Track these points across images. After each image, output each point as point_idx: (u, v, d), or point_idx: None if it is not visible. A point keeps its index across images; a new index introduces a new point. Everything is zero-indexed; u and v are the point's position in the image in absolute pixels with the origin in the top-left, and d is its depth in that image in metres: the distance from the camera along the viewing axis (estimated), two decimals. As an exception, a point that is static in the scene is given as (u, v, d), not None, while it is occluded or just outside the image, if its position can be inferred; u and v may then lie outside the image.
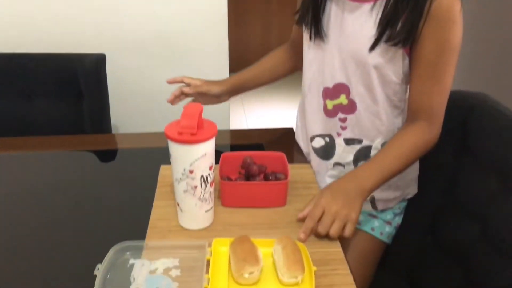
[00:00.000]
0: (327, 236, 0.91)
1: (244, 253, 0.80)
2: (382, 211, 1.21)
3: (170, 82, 1.29)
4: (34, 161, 1.25)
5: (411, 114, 1.06)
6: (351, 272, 0.84)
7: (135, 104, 2.08)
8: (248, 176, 1.05)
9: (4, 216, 1.01)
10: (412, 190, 1.22)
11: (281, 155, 1.07)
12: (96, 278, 0.77)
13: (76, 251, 0.91)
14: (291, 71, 1.34)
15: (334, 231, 0.90)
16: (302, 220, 0.94)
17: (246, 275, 0.78)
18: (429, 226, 1.18)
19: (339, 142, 1.16)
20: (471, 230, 1.04)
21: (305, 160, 1.24)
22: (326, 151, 1.19)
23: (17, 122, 1.64)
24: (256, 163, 1.05)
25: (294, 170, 1.10)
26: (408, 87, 1.08)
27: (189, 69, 2.07)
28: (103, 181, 1.16)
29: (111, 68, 1.72)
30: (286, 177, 1.02)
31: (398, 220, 1.23)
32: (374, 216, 1.21)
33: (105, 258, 0.82)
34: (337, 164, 1.18)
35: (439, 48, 0.97)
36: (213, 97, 1.29)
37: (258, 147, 1.31)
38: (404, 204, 1.24)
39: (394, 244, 1.23)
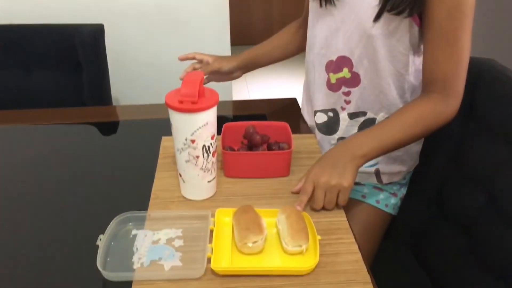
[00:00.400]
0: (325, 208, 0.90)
1: (248, 222, 0.80)
2: (387, 184, 1.19)
3: (182, 58, 1.27)
4: (34, 134, 1.24)
5: (425, 86, 1.01)
6: (356, 240, 0.83)
7: (136, 75, 2.06)
8: (251, 146, 1.03)
9: (3, 190, 1.00)
10: (415, 162, 1.21)
11: (285, 125, 1.05)
12: (99, 248, 0.76)
13: (78, 222, 0.90)
14: (303, 49, 1.28)
15: (327, 204, 0.89)
16: (297, 193, 0.93)
17: (250, 244, 0.77)
18: (434, 195, 1.17)
19: (343, 117, 1.14)
20: (477, 199, 1.03)
21: (309, 130, 1.22)
22: (330, 127, 1.17)
23: (16, 94, 1.62)
24: (259, 133, 1.03)
25: (298, 140, 1.09)
26: (416, 59, 1.05)
27: (190, 41, 2.05)
28: (105, 154, 1.15)
29: (110, 39, 1.69)
30: (289, 147, 1.00)
31: (403, 191, 1.22)
32: (379, 189, 1.20)
33: (107, 228, 0.81)
34: (341, 138, 1.16)
35: (450, 13, 0.93)
36: (225, 74, 1.27)
37: (261, 117, 1.29)
38: (409, 175, 1.23)
39: (399, 215, 1.23)
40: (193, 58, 1.26)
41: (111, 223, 0.82)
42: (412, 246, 1.22)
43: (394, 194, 1.20)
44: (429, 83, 0.99)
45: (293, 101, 1.39)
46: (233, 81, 2.30)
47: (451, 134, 1.13)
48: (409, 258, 1.20)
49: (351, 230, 0.86)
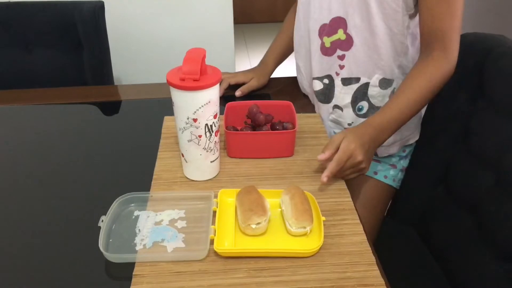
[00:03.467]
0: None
1: (251, 203, 0.78)
2: (385, 157, 1.20)
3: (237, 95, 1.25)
4: (35, 114, 1.23)
5: (425, 45, 1.02)
6: (361, 221, 0.82)
7: (138, 54, 2.03)
8: (255, 126, 1.02)
9: (5, 170, 0.99)
10: (413, 135, 1.20)
11: (289, 104, 1.03)
12: (101, 229, 0.75)
13: (80, 203, 0.89)
14: None
15: (347, 177, 0.92)
16: (323, 161, 0.91)
17: (253, 226, 0.76)
18: (440, 174, 1.16)
19: (338, 83, 1.14)
20: (484, 178, 1.02)
21: (313, 109, 1.21)
22: (325, 94, 1.17)
23: (16, 73, 1.60)
24: (263, 112, 1.02)
25: (302, 120, 1.07)
26: (409, 19, 1.04)
27: (193, 18, 2.02)
28: (106, 134, 1.14)
29: (111, 18, 1.66)
30: (293, 126, 0.99)
31: (403, 163, 1.22)
32: (377, 161, 1.20)
33: (109, 210, 0.80)
34: (336, 107, 1.16)
35: None
36: None
37: (265, 96, 1.27)
38: (409, 149, 1.22)
39: (404, 193, 1.22)
40: (229, 86, 1.25)
41: (113, 204, 0.81)
42: (417, 225, 1.21)
43: (393, 166, 1.20)
44: (429, 41, 1.00)
45: (296, 79, 1.36)
46: (236, 59, 2.28)
47: (458, 111, 1.11)
48: (414, 237, 1.20)
49: (356, 210, 0.85)
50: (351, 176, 0.93)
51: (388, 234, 1.18)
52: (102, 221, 0.77)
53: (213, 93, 0.82)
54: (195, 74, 0.79)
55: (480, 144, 1.06)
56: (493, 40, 1.05)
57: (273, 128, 1.01)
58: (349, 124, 1.16)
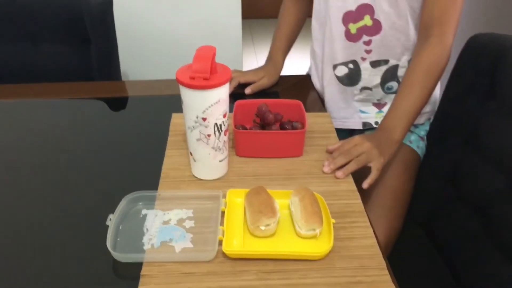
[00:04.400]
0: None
1: (260, 204, 0.77)
2: (415, 126, 1.22)
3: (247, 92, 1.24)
4: (41, 109, 1.22)
5: (424, 29, 1.05)
6: (371, 224, 0.81)
7: (145, 50, 2.02)
8: (264, 125, 1.01)
9: (12, 166, 0.99)
10: (434, 107, 1.23)
11: (298, 103, 1.02)
12: (108, 228, 0.75)
13: (87, 201, 0.88)
14: (304, 21, 1.35)
15: (357, 162, 0.91)
16: (330, 153, 0.96)
17: (262, 228, 0.75)
18: (450, 175, 1.15)
19: (365, 66, 1.16)
20: (494, 180, 1.01)
21: (323, 108, 1.19)
22: (351, 78, 1.19)
23: (23, 68, 1.60)
24: (272, 111, 1.01)
25: (311, 119, 1.06)
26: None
27: (201, 14, 2.01)
28: (114, 130, 1.13)
29: (119, 13, 1.65)
30: (303, 126, 0.98)
31: (425, 141, 1.25)
32: (410, 131, 1.22)
33: (117, 208, 0.79)
34: (364, 88, 1.19)
35: None
36: None
37: (273, 94, 1.26)
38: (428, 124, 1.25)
39: (414, 194, 1.20)
40: (239, 84, 1.24)
41: (121, 202, 0.80)
42: (425, 225, 1.20)
43: (422, 138, 1.23)
44: (427, 26, 1.04)
45: (306, 77, 1.35)
46: (244, 57, 2.27)
47: (468, 112, 1.10)
48: (422, 238, 1.19)
49: (366, 213, 0.84)
50: (363, 159, 0.92)
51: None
52: (110, 219, 0.76)
53: (223, 92, 0.81)
54: (205, 72, 0.78)
55: (491, 145, 1.04)
56: (507, 40, 1.03)
57: (282, 127, 1.00)
58: (378, 100, 1.21)
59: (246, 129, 1.01)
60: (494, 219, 0.99)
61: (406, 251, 1.14)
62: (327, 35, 1.18)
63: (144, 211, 0.82)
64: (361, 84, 1.19)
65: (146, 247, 0.75)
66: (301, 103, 1.02)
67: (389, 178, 1.11)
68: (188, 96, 0.81)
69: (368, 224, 0.81)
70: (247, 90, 1.22)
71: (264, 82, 1.24)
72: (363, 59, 1.15)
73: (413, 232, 1.21)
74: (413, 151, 1.21)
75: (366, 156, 0.92)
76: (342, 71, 1.19)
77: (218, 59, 0.83)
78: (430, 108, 1.22)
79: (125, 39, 1.79)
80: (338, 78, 1.20)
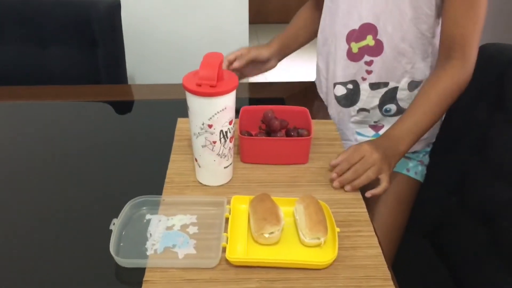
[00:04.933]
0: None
1: (265, 212, 0.77)
2: (413, 152, 1.19)
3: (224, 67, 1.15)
4: (47, 111, 1.22)
5: (444, 50, 1.02)
6: (376, 234, 0.80)
7: (152, 54, 2.03)
8: (269, 132, 1.00)
9: (17, 167, 0.99)
10: (436, 129, 1.20)
11: (304, 110, 1.02)
12: (112, 233, 0.75)
13: (91, 205, 0.88)
14: (313, 33, 1.27)
15: (367, 177, 0.88)
16: (334, 167, 0.92)
17: (267, 235, 0.75)
18: (455, 185, 1.14)
19: (364, 87, 1.13)
20: (500, 192, 1.00)
21: (328, 116, 1.19)
22: (349, 99, 1.17)
23: (30, 70, 1.60)
24: (278, 117, 1.00)
25: (317, 126, 1.05)
26: (440, 21, 1.03)
27: (208, 19, 2.01)
28: (119, 134, 1.13)
29: (127, 16, 1.65)
30: (309, 133, 0.97)
31: (428, 158, 1.22)
32: (407, 158, 1.19)
33: (121, 212, 0.79)
34: (361, 110, 1.16)
35: None
36: (262, 63, 1.23)
37: (279, 101, 1.25)
38: (432, 142, 1.22)
39: (417, 203, 1.20)
40: (232, 61, 1.18)
41: (124, 207, 0.80)
42: (430, 236, 1.19)
43: (421, 162, 1.21)
44: (448, 49, 1.00)
45: (312, 84, 1.35)
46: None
47: (476, 122, 1.09)
48: (426, 249, 1.18)
49: (372, 223, 0.83)
50: (373, 172, 0.89)
51: (400, 245, 1.16)
52: (114, 224, 0.76)
53: (229, 100, 0.81)
54: (212, 80, 0.78)
55: (498, 157, 1.04)
56: (515, 52, 1.03)
57: (288, 134, 1.00)
58: (375, 122, 1.18)
59: (251, 135, 1.00)
60: (500, 230, 0.98)
61: (410, 262, 1.14)
62: (331, 52, 1.16)
63: (148, 216, 0.82)
64: (358, 105, 1.16)
65: (149, 252, 0.74)
66: (307, 110, 1.01)
67: (380, 216, 1.11)
68: (195, 103, 0.81)
69: (373, 233, 0.80)
70: (236, 64, 1.15)
71: (252, 52, 1.18)
72: (363, 79, 1.12)
73: (417, 242, 1.20)
74: (410, 180, 1.19)
75: (376, 169, 0.89)
76: (341, 91, 1.16)
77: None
78: (428, 135, 1.17)
79: (132, 42, 1.80)
80: (336, 97, 1.18)
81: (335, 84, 1.17)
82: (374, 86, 1.12)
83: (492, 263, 0.99)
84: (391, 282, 0.71)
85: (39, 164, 1.00)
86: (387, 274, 0.72)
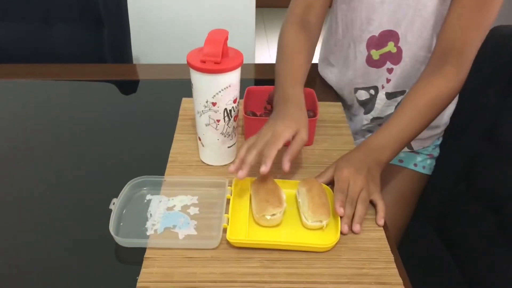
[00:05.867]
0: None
1: (267, 194, 0.76)
2: (421, 148, 1.16)
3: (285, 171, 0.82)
4: (52, 89, 1.21)
5: (440, 54, 0.92)
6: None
7: (158, 34, 2.01)
8: (274, 112, 0.99)
9: (21, 145, 0.99)
10: (447, 124, 1.16)
11: (310, 91, 1.00)
12: (112, 213, 0.74)
13: (93, 184, 0.88)
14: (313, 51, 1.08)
15: (362, 204, 0.78)
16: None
17: (268, 217, 0.74)
18: (464, 172, 1.12)
19: (380, 96, 1.09)
20: (510, 178, 0.98)
21: (334, 98, 1.17)
22: (367, 105, 1.13)
23: (35, 49, 1.59)
24: (283, 98, 0.98)
25: (323, 108, 1.04)
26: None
27: (214, 0, 1.98)
28: (123, 113, 1.12)
29: (133, -5, 1.64)
30: (315, 114, 0.95)
31: (438, 150, 1.19)
32: (416, 152, 1.16)
33: (121, 192, 0.78)
34: (375, 119, 1.13)
35: None
36: None
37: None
38: (442, 134, 1.18)
39: (425, 190, 1.18)
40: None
41: (125, 187, 0.79)
42: (435, 221, 1.18)
43: (430, 155, 1.17)
44: (444, 53, 0.92)
45: (316, 65, 1.32)
46: (256, 45, 2.24)
47: (486, 107, 1.07)
48: (431, 234, 1.17)
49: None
50: (364, 198, 0.79)
51: (406, 231, 1.15)
52: (114, 204, 0.75)
53: (234, 77, 0.79)
54: (217, 56, 0.76)
55: (508, 142, 1.01)
56: (528, 33, 1.00)
57: (293, 115, 0.98)
58: None
59: (256, 115, 0.99)
60: (509, 217, 0.97)
61: (415, 248, 1.12)
62: (343, 57, 1.11)
63: (148, 197, 0.81)
64: (373, 114, 1.12)
65: (149, 232, 0.74)
66: (313, 92, 0.99)
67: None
68: (198, 80, 0.80)
69: (377, 216, 0.79)
70: (286, 165, 0.79)
71: (303, 137, 0.82)
72: (382, 87, 1.08)
73: (421, 227, 1.19)
74: (416, 175, 1.15)
75: (366, 191, 0.80)
76: (364, 95, 1.11)
77: (231, 46, 0.81)
78: (437, 131, 1.15)
79: (138, 22, 1.78)
80: (358, 101, 1.13)
81: (356, 89, 1.12)
82: (391, 95, 1.08)
83: (498, 250, 0.97)
84: (394, 265, 0.70)
85: (42, 142, 1.00)
86: (390, 257, 0.71)
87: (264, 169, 0.75)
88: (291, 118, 0.83)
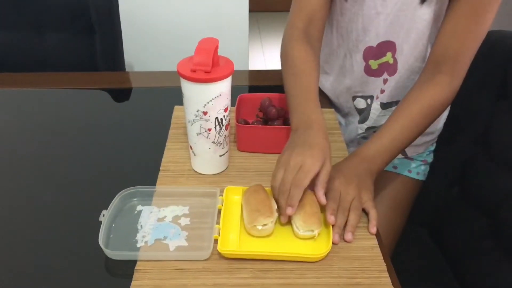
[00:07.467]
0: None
1: (258, 203, 0.75)
2: (416, 154, 1.16)
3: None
4: (44, 98, 1.21)
5: (434, 63, 0.92)
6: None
7: (150, 41, 2.00)
8: (266, 120, 0.99)
9: (9, 154, 0.98)
10: (440, 130, 1.16)
11: (302, 98, 0.99)
12: (101, 225, 0.73)
13: (83, 195, 0.87)
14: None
15: (355, 212, 0.78)
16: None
17: (259, 227, 0.73)
18: (456, 176, 1.12)
19: (375, 106, 1.09)
20: (503, 182, 0.98)
21: (327, 104, 1.17)
22: (363, 114, 1.13)
23: (28, 56, 1.58)
24: (276, 106, 0.98)
25: (315, 115, 1.03)
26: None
27: (207, 6, 1.98)
28: (115, 121, 1.11)
29: (124, 2, 1.63)
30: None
31: (432, 156, 1.18)
32: (410, 158, 1.16)
33: (111, 204, 0.77)
34: (370, 128, 1.13)
35: None
36: None
37: (279, 88, 1.23)
38: (435, 140, 1.18)
39: (418, 195, 1.18)
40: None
41: (115, 198, 0.79)
42: (428, 225, 1.18)
43: (424, 161, 1.17)
44: (438, 62, 0.92)
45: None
46: (250, 50, 2.24)
47: (479, 112, 1.07)
48: (425, 238, 1.17)
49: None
50: (356, 207, 0.79)
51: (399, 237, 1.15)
52: (103, 215, 0.75)
53: (224, 86, 0.79)
54: (207, 65, 0.76)
55: (501, 146, 1.01)
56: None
57: (285, 122, 0.98)
58: None
59: (248, 123, 0.99)
60: (502, 221, 0.97)
61: (408, 252, 1.12)
62: (338, 65, 1.10)
63: (139, 207, 0.80)
64: (367, 123, 1.12)
65: (140, 244, 0.73)
66: (305, 99, 0.99)
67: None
68: (189, 89, 0.79)
69: (369, 225, 0.78)
70: (322, 198, 0.77)
71: (329, 168, 0.79)
72: (377, 97, 1.08)
73: (416, 232, 1.19)
74: (411, 181, 1.15)
75: (357, 200, 0.80)
76: (362, 104, 1.11)
77: (224, 52, 0.81)
78: (431, 138, 1.14)
79: (130, 29, 1.77)
80: (357, 110, 1.13)
81: (354, 97, 1.12)
82: (386, 105, 1.08)
83: (492, 255, 0.97)
84: (387, 274, 0.70)
85: (33, 151, 0.99)
86: (383, 265, 0.71)
87: (290, 211, 0.74)
88: (318, 148, 0.79)
